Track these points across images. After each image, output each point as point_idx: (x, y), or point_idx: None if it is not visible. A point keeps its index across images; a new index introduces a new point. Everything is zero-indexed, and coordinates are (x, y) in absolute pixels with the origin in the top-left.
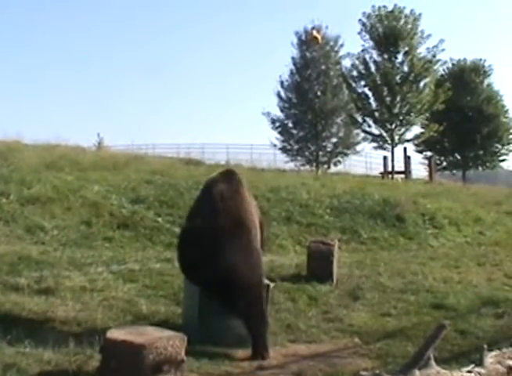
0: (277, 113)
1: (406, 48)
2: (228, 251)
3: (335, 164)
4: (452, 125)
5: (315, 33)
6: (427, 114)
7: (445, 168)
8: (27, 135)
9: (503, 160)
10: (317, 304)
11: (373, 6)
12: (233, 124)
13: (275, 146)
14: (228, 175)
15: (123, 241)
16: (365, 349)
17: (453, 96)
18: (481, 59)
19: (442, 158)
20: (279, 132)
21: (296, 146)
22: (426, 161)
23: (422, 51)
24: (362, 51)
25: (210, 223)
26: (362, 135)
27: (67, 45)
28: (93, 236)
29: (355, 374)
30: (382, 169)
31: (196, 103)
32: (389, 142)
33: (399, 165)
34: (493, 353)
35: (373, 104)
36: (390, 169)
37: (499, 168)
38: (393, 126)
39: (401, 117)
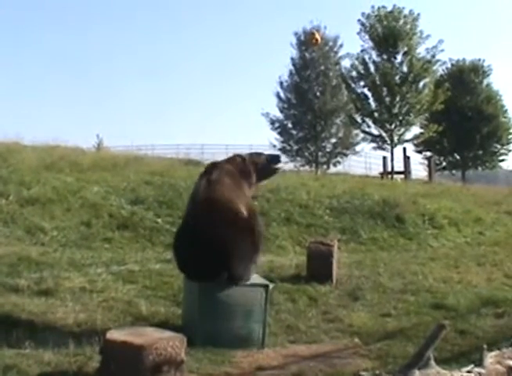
0: (276, 113)
1: (405, 49)
2: (208, 232)
3: (334, 165)
4: (451, 125)
5: (316, 35)
6: (427, 114)
7: (444, 168)
8: (26, 136)
9: (503, 160)
10: (317, 304)
11: (372, 6)
12: (233, 124)
13: (274, 146)
14: (212, 167)
15: (122, 242)
16: (365, 350)
17: (452, 96)
18: (480, 59)
19: (442, 158)
20: (279, 133)
21: (295, 147)
22: (425, 161)
23: (421, 51)
24: (362, 51)
25: (191, 214)
26: (362, 135)
27: (67, 46)
28: (93, 237)
29: (355, 374)
30: (381, 169)
31: (195, 104)
32: (388, 142)
33: (399, 165)
34: (493, 353)
35: (373, 104)
36: (389, 169)
37: (498, 168)
38: (392, 126)
39: (400, 118)
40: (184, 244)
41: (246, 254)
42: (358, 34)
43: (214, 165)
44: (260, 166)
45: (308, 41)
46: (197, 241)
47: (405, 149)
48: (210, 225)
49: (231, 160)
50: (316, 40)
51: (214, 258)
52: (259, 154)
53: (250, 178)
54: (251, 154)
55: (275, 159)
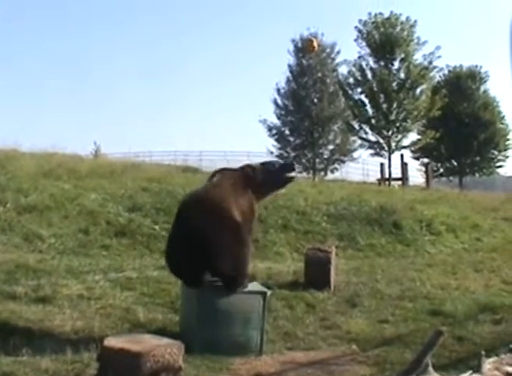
0: (274, 120)
1: (402, 55)
2: (200, 231)
3: (332, 172)
4: (448, 132)
5: (313, 41)
6: (424, 121)
7: (441, 175)
8: (24, 143)
9: (500, 167)
10: (315, 311)
11: (369, 13)
12: (230, 131)
13: (272, 153)
14: (216, 172)
15: (120, 249)
16: (363, 356)
17: (450, 103)
18: (477, 66)
19: (439, 165)
20: (276, 140)
21: (293, 154)
22: (423, 168)
23: (418, 58)
24: (359, 58)
25: (184, 213)
26: (359, 142)
27: (66, 50)
28: (90, 244)
29: None
30: (379, 176)
31: (192, 110)
32: (386, 148)
33: (396, 172)
34: (491, 359)
35: (370, 111)
36: (387, 176)
37: (495, 174)
38: (390, 133)
39: (397, 124)
40: (176, 242)
41: (235, 256)
42: (356, 40)
43: (218, 171)
44: (272, 175)
45: (305, 48)
46: (188, 240)
47: (402, 155)
48: (201, 224)
49: (240, 168)
50: (313, 47)
51: (203, 257)
52: (272, 163)
53: (259, 187)
54: (263, 164)
55: (289, 168)
